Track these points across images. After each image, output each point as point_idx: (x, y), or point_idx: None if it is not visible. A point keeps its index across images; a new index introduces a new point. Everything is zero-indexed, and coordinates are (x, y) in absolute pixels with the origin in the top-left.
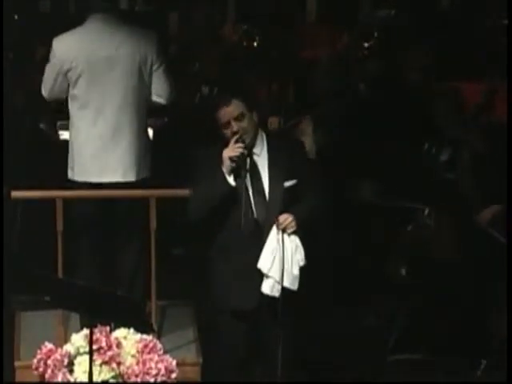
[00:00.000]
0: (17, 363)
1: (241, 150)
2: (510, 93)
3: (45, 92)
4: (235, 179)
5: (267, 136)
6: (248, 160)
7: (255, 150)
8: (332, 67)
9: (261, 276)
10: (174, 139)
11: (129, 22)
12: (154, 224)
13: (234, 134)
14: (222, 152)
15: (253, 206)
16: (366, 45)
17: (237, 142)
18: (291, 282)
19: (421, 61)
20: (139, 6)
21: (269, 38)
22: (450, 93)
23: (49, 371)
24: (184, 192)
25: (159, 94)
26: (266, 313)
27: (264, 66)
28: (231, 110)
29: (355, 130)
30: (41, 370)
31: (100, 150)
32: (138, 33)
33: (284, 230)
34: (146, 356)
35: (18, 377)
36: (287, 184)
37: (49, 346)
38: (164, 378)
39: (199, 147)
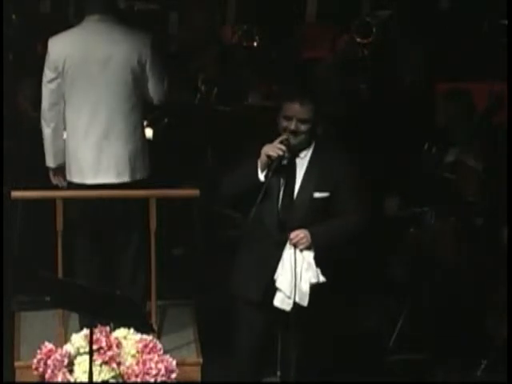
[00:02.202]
0: (17, 363)
1: (280, 153)
2: (510, 93)
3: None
4: (269, 175)
5: (316, 143)
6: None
7: (301, 154)
8: (332, 67)
9: (272, 273)
10: (174, 139)
11: (124, 23)
12: (154, 224)
13: (291, 131)
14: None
15: (279, 204)
16: (364, 41)
17: (281, 142)
18: (301, 298)
19: (420, 60)
20: (139, 6)
21: (269, 38)
22: (461, 94)
23: (49, 371)
24: (184, 192)
25: (154, 95)
26: (271, 309)
27: (264, 66)
28: (302, 110)
29: (356, 129)
30: (41, 370)
31: (94, 151)
32: (133, 34)
33: (295, 246)
34: (146, 356)
35: (18, 377)
36: (317, 195)
37: (49, 346)
38: (164, 378)
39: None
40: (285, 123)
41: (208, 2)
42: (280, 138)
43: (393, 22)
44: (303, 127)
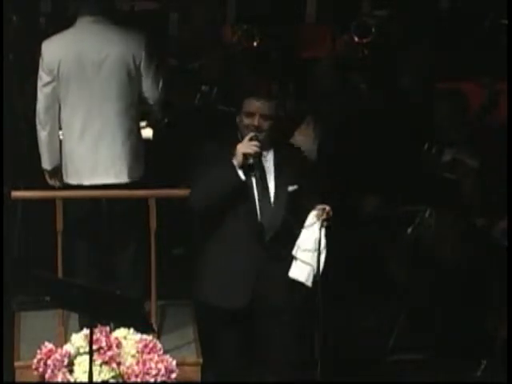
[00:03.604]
0: (17, 363)
1: (256, 149)
2: (510, 93)
3: (39, 112)
4: (252, 173)
5: (273, 141)
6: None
7: (264, 153)
8: (332, 67)
9: (254, 276)
10: (174, 139)
11: (118, 24)
12: (154, 224)
13: (254, 127)
14: (230, 145)
15: (257, 208)
16: (363, 41)
17: (251, 139)
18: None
19: (420, 60)
20: (139, 6)
21: (269, 38)
22: (453, 93)
23: (49, 371)
24: (184, 192)
25: (148, 96)
26: (258, 312)
27: (264, 66)
28: (265, 106)
29: (355, 130)
30: (41, 370)
31: (90, 151)
32: (127, 35)
33: (322, 224)
34: (146, 356)
35: (18, 377)
36: (290, 189)
37: (49, 346)
38: (164, 378)
39: (203, 143)
40: (247, 120)
41: (208, 2)
42: (248, 136)
43: (392, 22)
44: (266, 124)
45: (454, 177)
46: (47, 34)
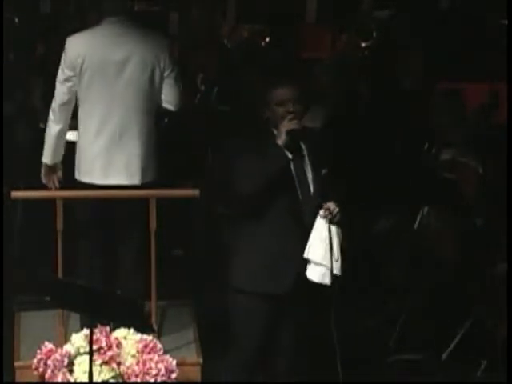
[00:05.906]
0: (17, 363)
1: (299, 125)
2: (510, 93)
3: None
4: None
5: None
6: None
7: None
8: (332, 67)
9: (295, 263)
10: (174, 139)
11: (142, 26)
12: (154, 224)
13: (289, 113)
14: (265, 137)
15: (299, 192)
16: (364, 44)
17: (290, 120)
18: (338, 269)
19: (420, 60)
20: (139, 6)
21: (269, 38)
22: (451, 93)
23: (49, 371)
24: (184, 192)
25: (169, 100)
26: (295, 299)
27: (264, 65)
28: (293, 91)
29: (355, 130)
30: (41, 370)
31: (106, 152)
32: (151, 36)
33: (331, 220)
34: (146, 356)
35: (18, 377)
36: (323, 172)
37: (49, 346)
38: (164, 378)
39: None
40: (281, 109)
41: (208, 2)
42: (289, 117)
43: (393, 23)
44: (298, 106)
45: (454, 176)
46: (47, 34)
